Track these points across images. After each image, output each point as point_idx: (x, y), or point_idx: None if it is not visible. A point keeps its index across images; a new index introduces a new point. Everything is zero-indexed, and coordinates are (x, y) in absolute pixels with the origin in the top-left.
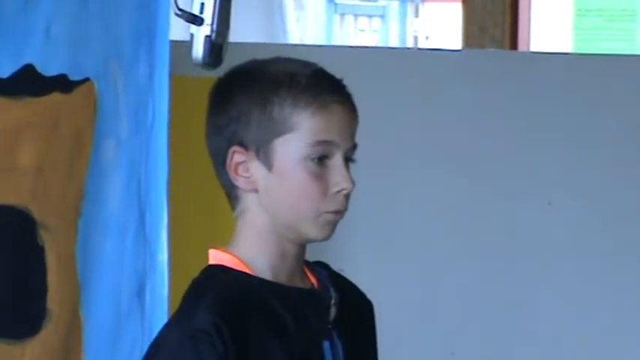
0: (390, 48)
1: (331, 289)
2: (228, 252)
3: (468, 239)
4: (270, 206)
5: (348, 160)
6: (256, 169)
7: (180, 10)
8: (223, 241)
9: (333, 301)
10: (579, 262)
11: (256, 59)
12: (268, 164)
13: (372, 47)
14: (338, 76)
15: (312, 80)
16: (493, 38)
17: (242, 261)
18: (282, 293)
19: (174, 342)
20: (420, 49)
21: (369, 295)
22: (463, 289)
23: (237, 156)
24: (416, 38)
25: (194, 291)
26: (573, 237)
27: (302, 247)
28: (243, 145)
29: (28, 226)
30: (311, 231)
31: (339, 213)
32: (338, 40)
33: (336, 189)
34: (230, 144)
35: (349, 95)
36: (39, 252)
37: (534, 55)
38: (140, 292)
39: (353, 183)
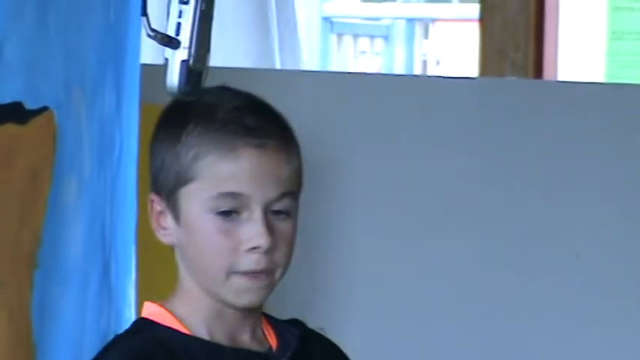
0: (395, 75)
1: (287, 353)
2: (160, 305)
3: (484, 297)
4: (186, 264)
5: (280, 212)
6: (169, 220)
7: (153, 30)
8: None
9: None
10: (607, 320)
11: (204, 87)
12: (176, 216)
13: (374, 74)
14: (330, 107)
15: (230, 116)
16: (514, 65)
17: (174, 315)
18: (218, 355)
19: None
20: (429, 76)
21: (355, 357)
22: (485, 349)
23: (155, 205)
24: (425, 63)
25: (106, 346)
26: (602, 292)
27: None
28: (159, 193)
29: None
30: (226, 295)
31: (256, 275)
32: (335, 65)
33: (248, 246)
34: (151, 189)
35: (280, 135)
36: None
37: (562, 85)
38: None
39: (272, 239)
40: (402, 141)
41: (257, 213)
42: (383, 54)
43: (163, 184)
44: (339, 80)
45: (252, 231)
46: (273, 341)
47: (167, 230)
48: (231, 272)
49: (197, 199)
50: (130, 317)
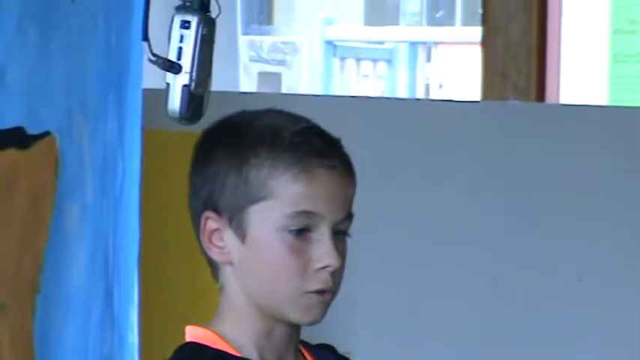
0: (398, 99)
1: None
2: (206, 328)
3: (489, 320)
4: (246, 282)
5: (341, 232)
6: (230, 239)
7: (154, 55)
8: (202, 319)
9: None
10: (610, 344)
11: (247, 111)
12: (241, 235)
13: (377, 98)
14: (333, 131)
15: (298, 139)
16: (516, 88)
17: (222, 338)
18: None
19: None
20: (432, 99)
21: None
22: None
23: (210, 222)
24: (428, 86)
25: None
26: (604, 316)
27: (294, 326)
28: (217, 211)
29: None
30: (292, 314)
31: (325, 293)
32: (337, 89)
33: (318, 265)
34: (205, 208)
35: (344, 158)
36: None
37: (564, 108)
38: None
39: (340, 259)
40: (404, 164)
41: (327, 233)
42: (386, 77)
43: (226, 202)
44: (341, 104)
45: (322, 251)
46: None
47: (223, 249)
48: (301, 292)
49: (269, 218)
50: (133, 342)
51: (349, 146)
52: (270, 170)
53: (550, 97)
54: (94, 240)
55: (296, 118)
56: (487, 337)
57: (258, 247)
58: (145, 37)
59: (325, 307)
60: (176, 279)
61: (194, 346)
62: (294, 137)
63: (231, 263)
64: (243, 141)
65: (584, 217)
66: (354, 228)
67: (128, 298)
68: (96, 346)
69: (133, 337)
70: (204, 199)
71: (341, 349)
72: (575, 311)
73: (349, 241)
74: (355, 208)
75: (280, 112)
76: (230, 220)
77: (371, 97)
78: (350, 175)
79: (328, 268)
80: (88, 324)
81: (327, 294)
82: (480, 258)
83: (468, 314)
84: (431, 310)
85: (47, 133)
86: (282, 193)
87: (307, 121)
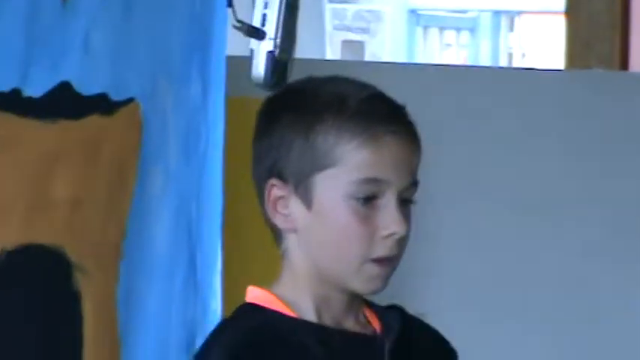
0: (481, 67)
1: (391, 337)
2: (265, 289)
3: (563, 294)
4: (310, 249)
5: (405, 200)
6: (295, 206)
7: (239, 21)
8: None
9: (387, 348)
10: None
11: (312, 77)
12: (307, 202)
13: (460, 66)
14: (416, 99)
15: (364, 106)
16: (600, 57)
17: (280, 299)
18: (324, 335)
19: None
20: (515, 68)
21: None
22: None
23: (275, 190)
24: (510, 55)
25: (215, 330)
26: None
27: (353, 294)
28: (283, 178)
29: (62, 268)
30: (355, 283)
31: (389, 261)
32: (420, 57)
33: (385, 233)
34: (269, 175)
35: (409, 124)
36: (74, 298)
37: None
38: (190, 347)
39: (407, 226)
40: (488, 133)
41: (393, 200)
42: (469, 46)
43: (292, 169)
44: (424, 72)
45: (389, 218)
46: (376, 325)
47: (288, 216)
48: (366, 259)
49: (336, 184)
50: (216, 309)
51: (432, 115)
52: (337, 137)
53: (633, 66)
54: (177, 206)
55: (362, 86)
56: (565, 311)
57: (325, 214)
58: (230, 4)
59: (387, 277)
60: (258, 248)
61: (251, 306)
62: (361, 104)
63: (295, 230)
64: (309, 108)
65: None
66: (432, 196)
67: (211, 265)
68: (179, 312)
69: (216, 304)
70: (268, 167)
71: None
72: (631, 296)
73: (424, 209)
74: (436, 175)
75: (346, 80)
76: (296, 188)
77: (454, 66)
78: (416, 142)
79: (395, 235)
80: (171, 290)
81: (391, 263)
82: (564, 230)
83: (540, 286)
84: (500, 282)
85: (131, 100)
86: (349, 160)
87: (373, 88)
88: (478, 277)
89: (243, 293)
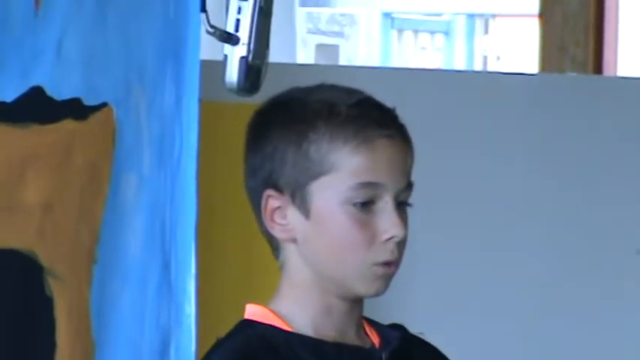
0: (455, 71)
1: (385, 352)
2: (262, 305)
3: (549, 296)
4: (311, 258)
5: (402, 203)
6: (293, 216)
7: (212, 27)
8: (259, 291)
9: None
10: None
11: (298, 87)
12: (305, 211)
13: (434, 70)
14: (392, 103)
15: (355, 111)
16: (574, 60)
17: (277, 315)
18: (321, 350)
19: None
20: (489, 72)
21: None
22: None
23: (271, 201)
24: (485, 59)
25: (211, 348)
26: None
27: (354, 302)
28: (278, 189)
29: (34, 273)
30: (359, 286)
31: (391, 265)
32: (395, 60)
33: (384, 237)
34: (265, 187)
35: (401, 127)
36: (46, 304)
37: (622, 81)
38: (164, 352)
39: (405, 229)
40: (461, 136)
41: (390, 203)
42: (443, 49)
43: (288, 179)
44: (399, 76)
45: (388, 222)
46: (375, 339)
47: (286, 226)
48: (368, 263)
49: (332, 191)
50: (190, 313)
51: (407, 118)
52: (330, 144)
53: (608, 70)
54: (151, 211)
55: (350, 91)
56: (548, 311)
57: (324, 221)
58: (203, 9)
59: (389, 278)
60: (233, 252)
61: (247, 322)
62: (351, 110)
63: (294, 240)
64: (300, 117)
65: None
66: (414, 201)
67: (185, 269)
68: (152, 317)
69: (190, 309)
70: (263, 179)
71: (413, 330)
72: (635, 283)
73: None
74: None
75: (332, 87)
76: (292, 197)
77: (429, 70)
78: (408, 144)
79: (394, 239)
80: (144, 294)
81: (392, 265)
82: (538, 232)
83: (528, 289)
84: (492, 285)
85: (104, 105)
86: (344, 166)
87: (361, 93)
88: (455, 278)
89: (217, 298)
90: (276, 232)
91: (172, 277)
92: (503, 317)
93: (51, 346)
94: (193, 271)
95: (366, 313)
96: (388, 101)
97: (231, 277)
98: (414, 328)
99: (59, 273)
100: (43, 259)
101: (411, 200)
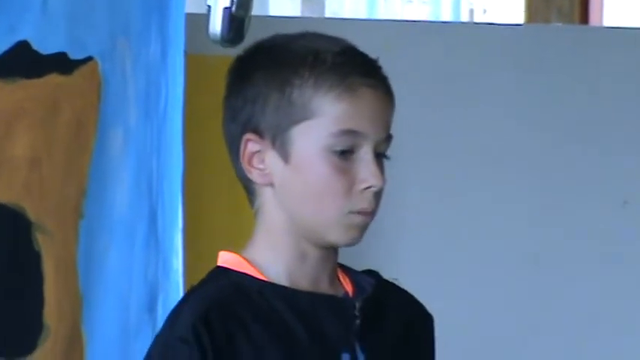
0: (442, 22)
1: (359, 300)
2: (235, 253)
3: (536, 243)
4: (287, 204)
5: (380, 154)
6: (272, 160)
7: None
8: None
9: (356, 310)
10: None
11: (281, 34)
12: (285, 155)
13: (421, 21)
14: (378, 55)
15: (340, 59)
16: (560, 11)
17: (251, 263)
18: (293, 299)
19: (154, 353)
20: (476, 23)
21: (429, 307)
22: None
23: (250, 145)
24: (472, 11)
25: (185, 295)
26: None
27: (328, 250)
28: (258, 133)
29: (22, 227)
30: (334, 234)
31: (367, 214)
32: (382, 13)
33: (362, 186)
34: (244, 130)
35: (384, 78)
36: (34, 258)
37: (608, 31)
38: (151, 306)
39: (383, 180)
40: (448, 88)
41: (370, 153)
42: (430, 2)
43: (269, 124)
44: (385, 28)
45: (366, 171)
46: (348, 287)
47: (264, 170)
48: (345, 211)
49: (313, 137)
50: (177, 267)
51: (393, 70)
52: (314, 90)
53: (593, 19)
54: (137, 164)
55: (334, 40)
56: (532, 261)
57: (303, 167)
58: None
59: (364, 228)
60: (220, 205)
61: (221, 270)
62: (337, 57)
63: (272, 184)
64: (284, 62)
65: (631, 139)
66: (399, 153)
67: (172, 223)
68: (140, 271)
69: (178, 263)
70: (243, 122)
71: (387, 276)
72: (620, 234)
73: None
74: (398, 134)
75: (316, 34)
76: (273, 142)
77: (414, 21)
78: (390, 95)
79: (372, 189)
80: (132, 249)
81: (369, 215)
82: (524, 184)
83: (512, 239)
84: (473, 235)
85: (90, 58)
86: (327, 112)
87: (345, 41)
88: (445, 230)
89: (204, 251)
90: (254, 176)
91: (159, 231)
92: (492, 267)
93: (40, 300)
94: (180, 224)
95: (355, 267)
96: (374, 53)
97: (219, 231)
98: (404, 284)
99: (47, 228)
100: (31, 213)
101: (388, 153)
